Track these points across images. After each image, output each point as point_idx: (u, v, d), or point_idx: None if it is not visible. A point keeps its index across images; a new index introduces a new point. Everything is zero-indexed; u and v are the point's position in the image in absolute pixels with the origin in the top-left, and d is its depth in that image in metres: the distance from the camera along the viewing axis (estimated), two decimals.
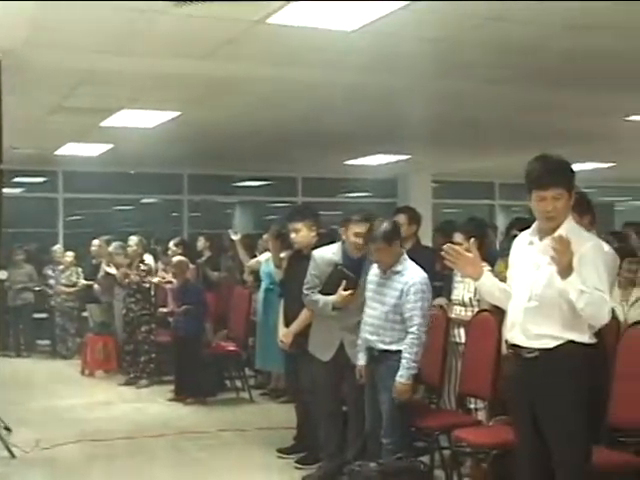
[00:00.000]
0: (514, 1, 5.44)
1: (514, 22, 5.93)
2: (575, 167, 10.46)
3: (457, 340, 6.51)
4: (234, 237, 9.82)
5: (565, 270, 3.88)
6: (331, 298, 6.10)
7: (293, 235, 6.69)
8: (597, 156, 14.03)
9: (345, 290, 6.04)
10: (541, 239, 4.18)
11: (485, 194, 18.36)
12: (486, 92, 8.36)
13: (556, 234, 3.93)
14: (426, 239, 9.03)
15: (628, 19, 5.91)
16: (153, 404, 9.35)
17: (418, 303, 5.52)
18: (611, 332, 5.27)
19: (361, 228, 6.02)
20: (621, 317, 6.35)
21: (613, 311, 6.06)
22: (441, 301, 6.75)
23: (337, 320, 6.17)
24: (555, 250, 3.85)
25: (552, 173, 4.16)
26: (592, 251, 4.08)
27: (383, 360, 5.63)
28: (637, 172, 16.98)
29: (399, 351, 5.55)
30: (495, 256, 7.13)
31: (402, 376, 5.49)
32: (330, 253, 6.25)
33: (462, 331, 6.45)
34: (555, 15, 5.77)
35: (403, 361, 5.50)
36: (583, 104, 9.06)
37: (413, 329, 5.51)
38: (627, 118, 9.83)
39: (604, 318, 4.04)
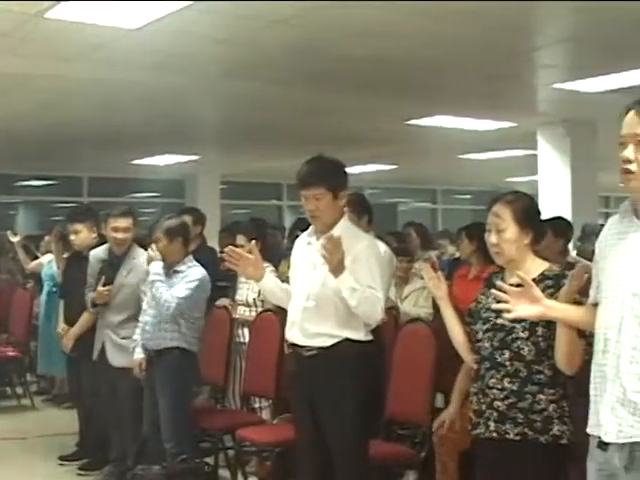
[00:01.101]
0: (294, 1, 5.49)
1: (296, 26, 6.01)
2: (358, 169, 10.74)
3: (241, 340, 6.55)
4: (13, 239, 9.46)
5: (336, 269, 3.97)
6: (91, 295, 6.09)
7: (73, 237, 6.60)
8: (380, 158, 14.47)
9: (103, 286, 6.02)
10: (318, 239, 4.26)
11: (273, 195, 18.57)
12: (273, 94, 8.43)
13: (328, 234, 4.02)
14: (214, 240, 9.04)
15: (407, 28, 6.11)
16: None
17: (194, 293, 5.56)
18: (389, 328, 5.46)
19: (119, 223, 6.07)
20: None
21: (395, 307, 6.33)
22: (225, 301, 6.78)
23: (100, 318, 6.18)
24: (325, 249, 3.94)
25: (313, 173, 4.26)
26: (366, 250, 4.20)
27: (158, 362, 5.60)
28: (418, 174, 17.64)
29: (173, 348, 5.55)
30: (281, 257, 7.24)
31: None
32: (101, 251, 6.26)
33: (246, 331, 6.50)
34: (335, 20, 5.88)
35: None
36: (366, 107, 9.30)
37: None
38: (408, 122, 10.17)
39: (377, 315, 4.17)
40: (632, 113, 2.79)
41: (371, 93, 8.48)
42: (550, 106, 9.69)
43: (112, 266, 6.12)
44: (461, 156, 13.98)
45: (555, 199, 10.20)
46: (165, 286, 5.49)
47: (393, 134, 11.32)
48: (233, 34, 6.27)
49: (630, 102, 2.82)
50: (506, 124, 10.44)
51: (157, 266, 5.66)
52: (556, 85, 8.21)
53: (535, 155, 10.73)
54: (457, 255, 9.47)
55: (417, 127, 10.44)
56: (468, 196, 21.30)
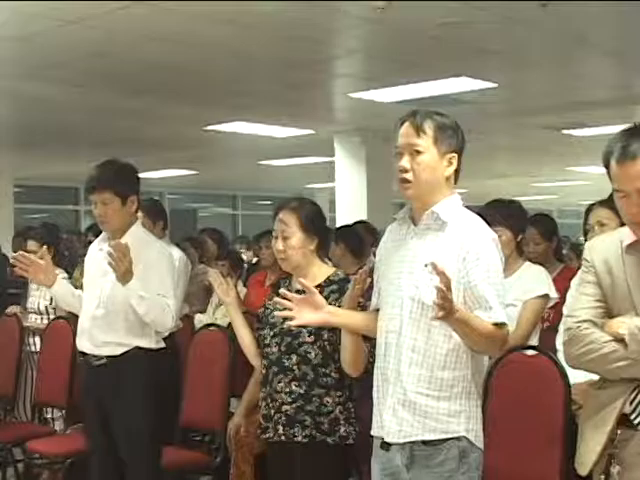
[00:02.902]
0: (90, 1, 5.37)
1: (93, 27, 5.88)
2: (158, 174, 10.51)
3: (32, 349, 6.38)
4: None
5: (124, 276, 3.92)
6: None
7: None
8: (180, 163, 14.33)
9: None
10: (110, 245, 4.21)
11: (71, 199, 18.11)
12: (69, 96, 8.24)
13: (116, 241, 3.97)
14: (8, 246, 8.76)
15: (207, 35, 6.10)
16: None
17: None
18: (185, 334, 5.45)
19: None
20: (206, 320, 6.55)
21: (188, 316, 6.28)
22: (15, 309, 6.58)
23: None
24: (112, 257, 3.88)
25: (100, 178, 4.18)
26: (157, 257, 4.18)
27: None
28: (219, 180, 17.65)
29: None
30: (77, 262, 7.10)
31: None
32: None
33: (37, 339, 6.33)
34: (133, 24, 5.80)
35: None
36: (164, 112, 9.23)
37: None
38: (205, 128, 10.16)
39: (168, 323, 4.14)
40: (407, 124, 2.90)
41: (169, 98, 8.43)
42: (346, 115, 9.91)
43: None
44: (261, 162, 14.07)
45: (351, 206, 10.45)
46: None
47: (192, 139, 11.28)
48: (27, 33, 6.07)
49: (403, 114, 2.94)
50: (305, 131, 10.59)
51: None
52: (352, 94, 8.39)
53: (334, 162, 10.94)
54: (254, 260, 9.55)
55: (216, 133, 10.45)
56: (269, 202, 21.48)
